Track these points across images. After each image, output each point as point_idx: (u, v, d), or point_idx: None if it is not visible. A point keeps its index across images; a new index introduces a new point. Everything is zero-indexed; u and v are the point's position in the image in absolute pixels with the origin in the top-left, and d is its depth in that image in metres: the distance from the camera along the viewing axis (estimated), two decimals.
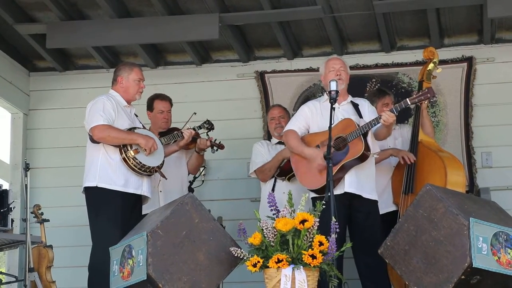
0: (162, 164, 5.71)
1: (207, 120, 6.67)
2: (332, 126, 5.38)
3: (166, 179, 6.03)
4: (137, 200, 5.65)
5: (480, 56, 7.34)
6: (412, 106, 6.18)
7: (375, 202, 5.68)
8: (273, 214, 4.60)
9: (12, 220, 6.48)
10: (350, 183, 5.55)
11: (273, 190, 6.28)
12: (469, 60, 7.31)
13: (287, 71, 7.65)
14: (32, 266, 6.29)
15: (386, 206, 6.08)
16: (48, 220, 6.61)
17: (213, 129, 6.65)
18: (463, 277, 4.36)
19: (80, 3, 6.99)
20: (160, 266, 4.53)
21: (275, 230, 4.49)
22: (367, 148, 5.51)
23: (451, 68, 7.21)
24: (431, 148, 6.07)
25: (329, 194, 4.91)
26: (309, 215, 4.49)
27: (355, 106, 5.77)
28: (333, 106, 5.26)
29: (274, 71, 7.65)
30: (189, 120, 6.41)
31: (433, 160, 5.96)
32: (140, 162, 5.53)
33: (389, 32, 7.24)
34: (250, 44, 7.64)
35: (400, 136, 6.38)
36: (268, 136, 7.21)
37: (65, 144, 7.79)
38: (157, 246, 4.55)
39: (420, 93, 5.46)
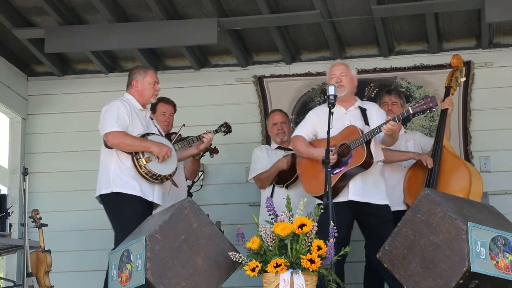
0: (174, 172, 5.69)
1: (225, 123, 6.60)
2: (337, 133, 5.39)
3: (177, 187, 6.00)
4: (150, 207, 5.62)
5: (478, 60, 7.35)
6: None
7: (385, 206, 5.65)
8: (272, 219, 4.60)
9: (11, 225, 6.48)
10: (355, 191, 5.55)
11: (271, 196, 6.29)
12: (467, 65, 7.31)
13: (286, 75, 7.65)
14: (30, 271, 6.29)
15: (394, 205, 6.08)
16: (46, 225, 6.60)
17: (230, 131, 6.59)
18: (461, 281, 4.36)
19: (78, 7, 7.00)
20: (159, 271, 4.52)
21: (273, 235, 4.49)
22: (369, 155, 5.50)
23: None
24: (456, 155, 6.10)
25: (327, 200, 4.92)
26: (308, 219, 4.49)
27: (363, 111, 5.73)
28: (332, 110, 5.25)
29: (272, 76, 7.66)
30: (180, 131, 6.36)
31: (458, 167, 5.98)
32: (151, 171, 5.51)
33: (387, 37, 7.25)
34: (249, 49, 7.65)
35: (412, 139, 6.40)
36: (267, 141, 7.21)
37: (63, 148, 7.79)
38: (155, 250, 4.55)
39: (423, 102, 5.43)
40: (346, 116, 5.66)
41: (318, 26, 7.10)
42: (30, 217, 6.54)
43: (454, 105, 6.89)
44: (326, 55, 7.58)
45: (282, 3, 6.80)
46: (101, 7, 6.74)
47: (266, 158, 6.55)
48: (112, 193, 5.51)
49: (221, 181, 7.54)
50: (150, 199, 5.58)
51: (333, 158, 5.46)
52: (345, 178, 5.53)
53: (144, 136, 5.61)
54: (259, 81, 7.66)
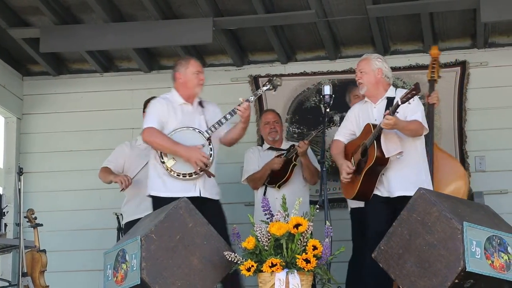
0: (211, 163, 5.51)
1: (269, 79, 5.91)
2: (361, 132, 5.51)
3: (214, 176, 5.86)
4: (201, 203, 5.30)
5: (474, 60, 7.36)
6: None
7: None
8: (267, 218, 4.60)
9: (6, 225, 6.46)
10: (385, 187, 5.46)
11: (264, 195, 6.30)
12: (463, 64, 7.33)
13: (281, 75, 7.64)
14: (25, 271, 6.27)
15: None
16: (41, 225, 6.60)
17: (278, 85, 5.87)
18: (456, 281, 4.36)
19: (73, 7, 6.98)
20: (154, 271, 4.52)
21: (269, 234, 4.49)
22: (379, 152, 5.41)
23: (445, 72, 7.18)
24: (445, 151, 6.09)
25: (322, 200, 4.93)
26: (303, 219, 4.49)
27: (390, 101, 5.58)
28: (327, 110, 5.26)
29: (268, 75, 7.64)
30: None
31: (451, 163, 6.01)
32: (180, 173, 5.44)
33: (382, 37, 7.25)
34: (244, 49, 7.65)
35: None
36: (262, 141, 7.21)
37: (58, 148, 7.78)
38: (150, 250, 4.54)
39: (408, 91, 5.40)
40: (374, 111, 5.61)
41: (313, 26, 7.10)
42: (25, 217, 6.52)
43: (450, 105, 6.95)
44: (322, 54, 7.58)
45: (278, 2, 6.80)
46: (96, 6, 6.73)
47: (258, 159, 6.57)
48: (150, 195, 5.51)
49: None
50: (191, 194, 5.36)
51: (348, 174, 5.51)
52: (371, 177, 5.46)
53: (174, 132, 5.50)
54: (255, 80, 7.66)
